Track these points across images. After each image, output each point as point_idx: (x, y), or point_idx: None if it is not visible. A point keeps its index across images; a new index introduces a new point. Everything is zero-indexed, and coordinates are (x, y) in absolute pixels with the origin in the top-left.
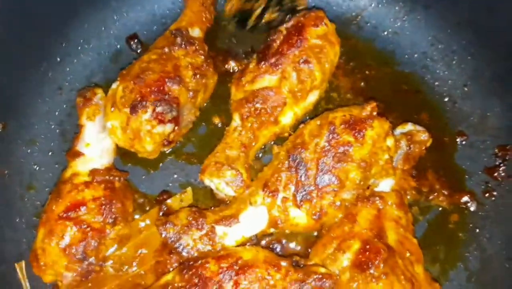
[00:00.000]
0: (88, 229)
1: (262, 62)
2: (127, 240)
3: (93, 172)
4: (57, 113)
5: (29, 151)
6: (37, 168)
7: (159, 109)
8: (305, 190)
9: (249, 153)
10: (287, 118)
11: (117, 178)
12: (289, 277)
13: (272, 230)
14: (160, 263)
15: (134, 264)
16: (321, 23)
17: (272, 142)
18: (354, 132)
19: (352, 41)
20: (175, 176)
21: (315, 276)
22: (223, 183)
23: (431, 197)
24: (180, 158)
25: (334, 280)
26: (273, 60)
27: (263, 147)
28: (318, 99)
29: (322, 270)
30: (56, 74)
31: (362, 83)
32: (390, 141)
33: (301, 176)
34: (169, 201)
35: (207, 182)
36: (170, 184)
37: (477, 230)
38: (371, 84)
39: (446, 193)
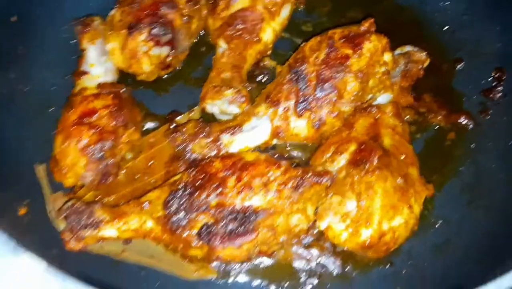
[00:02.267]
0: (103, 131)
1: None
2: (139, 153)
3: (101, 85)
4: (72, 42)
5: (47, 73)
6: (55, 89)
7: (154, 31)
8: (305, 100)
9: (241, 73)
10: (267, 35)
11: (123, 89)
12: (288, 174)
13: (275, 141)
14: (169, 172)
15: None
16: None
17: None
18: (352, 45)
19: None
20: (184, 98)
21: (312, 172)
22: (225, 102)
23: (429, 117)
24: (189, 83)
25: (331, 176)
26: None
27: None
28: (290, 14)
29: (320, 168)
30: (71, 4)
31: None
32: (387, 56)
33: (301, 87)
34: (178, 118)
35: (209, 107)
36: (180, 105)
37: (472, 146)
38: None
39: (443, 113)
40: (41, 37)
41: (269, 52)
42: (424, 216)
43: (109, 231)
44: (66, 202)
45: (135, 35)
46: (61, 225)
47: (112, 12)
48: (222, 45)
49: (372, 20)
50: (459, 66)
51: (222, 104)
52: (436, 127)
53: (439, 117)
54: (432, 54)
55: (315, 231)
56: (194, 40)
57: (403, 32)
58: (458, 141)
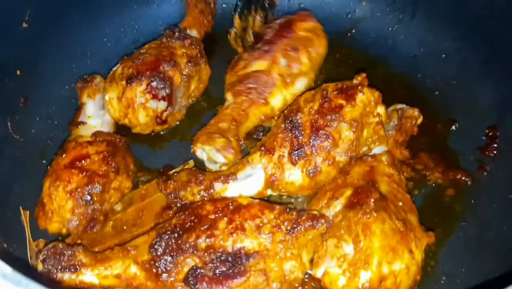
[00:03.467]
0: (94, 174)
1: (255, 51)
2: (129, 206)
3: (96, 134)
4: (73, 100)
5: (44, 126)
6: (51, 143)
7: (153, 84)
8: (300, 148)
9: (239, 128)
10: (276, 101)
11: (118, 139)
12: (282, 217)
13: (269, 192)
14: (159, 224)
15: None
16: (309, 19)
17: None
18: (345, 96)
19: (347, 49)
20: (180, 153)
21: (307, 215)
22: (213, 150)
23: (427, 173)
24: (186, 139)
25: (327, 220)
26: (264, 48)
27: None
28: (306, 88)
29: (315, 212)
30: (75, 63)
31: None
32: (381, 109)
33: (296, 135)
34: (171, 171)
35: (199, 153)
36: (174, 160)
37: (473, 201)
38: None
39: (440, 170)
40: (43, 91)
41: (276, 118)
42: (427, 272)
43: (90, 277)
44: (48, 243)
45: (133, 85)
46: (40, 267)
47: (114, 68)
48: (229, 98)
49: (364, 74)
50: (453, 126)
51: (210, 151)
52: (434, 184)
53: (436, 174)
54: (426, 116)
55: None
56: (192, 101)
57: (396, 96)
58: (458, 197)
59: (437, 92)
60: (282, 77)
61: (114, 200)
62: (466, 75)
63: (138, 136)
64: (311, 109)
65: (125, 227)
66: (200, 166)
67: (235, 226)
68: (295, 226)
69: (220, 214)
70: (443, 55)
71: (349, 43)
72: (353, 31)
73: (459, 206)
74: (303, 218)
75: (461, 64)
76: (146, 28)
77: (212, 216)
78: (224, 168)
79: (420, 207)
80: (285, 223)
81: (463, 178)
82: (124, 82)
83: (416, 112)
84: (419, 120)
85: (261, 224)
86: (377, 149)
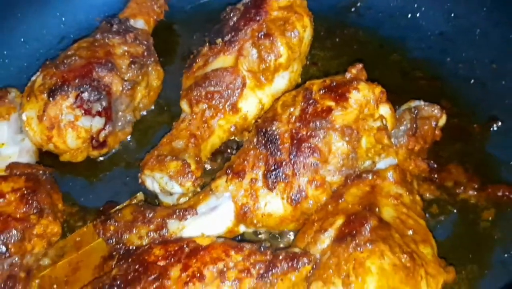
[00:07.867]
0: (9, 218)
1: (216, 44)
2: (60, 258)
3: (11, 166)
4: None
5: None
6: None
7: (84, 95)
8: (278, 168)
9: (201, 146)
10: (249, 105)
11: (41, 172)
12: (253, 258)
13: (243, 228)
14: (99, 278)
15: None
16: None
17: None
18: (335, 96)
19: (351, 30)
20: (126, 186)
21: (285, 255)
22: (166, 177)
23: (457, 191)
24: (133, 166)
25: (309, 258)
26: (227, 37)
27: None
28: (290, 86)
29: (296, 249)
30: None
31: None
32: (384, 109)
33: (272, 152)
34: (112, 210)
35: (149, 182)
36: (119, 195)
37: None
38: (375, 74)
39: (476, 186)
40: None
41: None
42: None
43: None
44: None
45: (58, 99)
46: None
47: (34, 77)
48: (185, 108)
49: (360, 65)
50: (494, 127)
51: (162, 178)
52: (466, 205)
53: (470, 192)
54: (458, 114)
55: None
56: (140, 115)
57: (418, 90)
58: (498, 221)
59: (472, 81)
60: (253, 74)
61: (39, 250)
62: (510, 58)
63: (69, 166)
64: (291, 116)
65: (55, 286)
66: (152, 201)
67: (192, 274)
68: (269, 269)
69: (172, 260)
70: (478, 31)
71: (352, 21)
72: (358, 4)
73: (499, 233)
74: (280, 258)
75: (502, 44)
76: (76, 21)
77: (162, 263)
78: (182, 200)
79: (448, 238)
80: (257, 266)
81: (506, 195)
82: (45, 95)
83: (436, 110)
84: (442, 121)
85: (225, 269)
86: (384, 163)
